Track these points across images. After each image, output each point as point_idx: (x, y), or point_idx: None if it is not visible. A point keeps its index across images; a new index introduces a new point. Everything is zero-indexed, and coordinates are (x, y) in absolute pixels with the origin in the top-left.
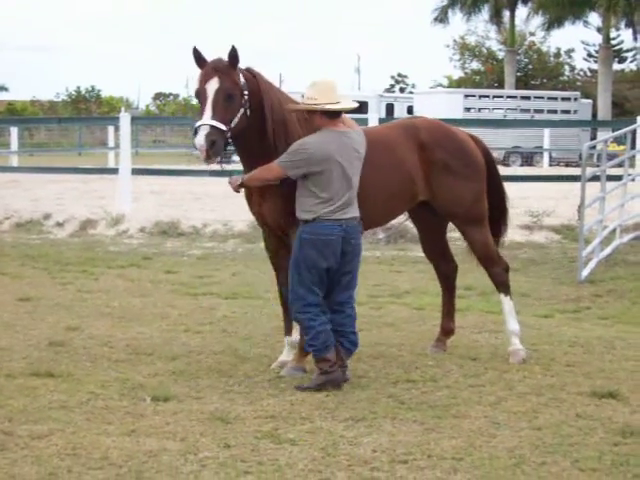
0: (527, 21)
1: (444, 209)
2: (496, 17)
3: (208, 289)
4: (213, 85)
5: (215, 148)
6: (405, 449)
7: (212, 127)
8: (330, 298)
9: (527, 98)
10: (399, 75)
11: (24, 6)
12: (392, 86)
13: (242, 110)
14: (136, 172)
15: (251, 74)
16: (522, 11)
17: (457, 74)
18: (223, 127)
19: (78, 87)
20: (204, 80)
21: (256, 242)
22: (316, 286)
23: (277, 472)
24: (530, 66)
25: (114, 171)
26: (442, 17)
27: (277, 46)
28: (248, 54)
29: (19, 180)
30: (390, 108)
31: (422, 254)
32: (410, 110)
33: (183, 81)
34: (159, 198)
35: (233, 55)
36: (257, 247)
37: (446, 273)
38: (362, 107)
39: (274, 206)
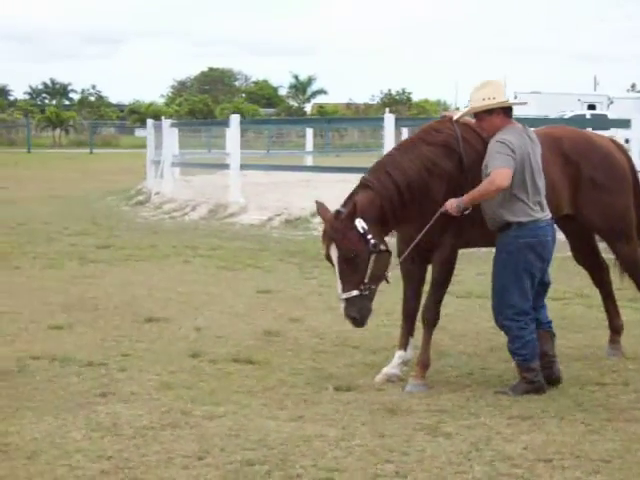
0: None
1: (589, 224)
2: None
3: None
4: (333, 253)
5: (360, 318)
6: (556, 448)
7: (348, 301)
8: (538, 297)
9: None
10: None
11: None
12: None
13: (373, 256)
14: None
15: (367, 188)
16: None
17: None
18: (356, 292)
19: (389, 90)
20: (326, 244)
21: None
22: (529, 292)
23: (417, 462)
24: None
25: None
26: None
27: (597, 48)
28: (566, 56)
29: (311, 179)
30: None
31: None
32: None
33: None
34: None
35: (349, 215)
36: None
37: (601, 279)
38: None
39: (433, 225)
